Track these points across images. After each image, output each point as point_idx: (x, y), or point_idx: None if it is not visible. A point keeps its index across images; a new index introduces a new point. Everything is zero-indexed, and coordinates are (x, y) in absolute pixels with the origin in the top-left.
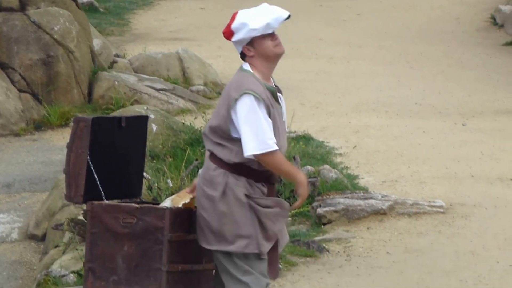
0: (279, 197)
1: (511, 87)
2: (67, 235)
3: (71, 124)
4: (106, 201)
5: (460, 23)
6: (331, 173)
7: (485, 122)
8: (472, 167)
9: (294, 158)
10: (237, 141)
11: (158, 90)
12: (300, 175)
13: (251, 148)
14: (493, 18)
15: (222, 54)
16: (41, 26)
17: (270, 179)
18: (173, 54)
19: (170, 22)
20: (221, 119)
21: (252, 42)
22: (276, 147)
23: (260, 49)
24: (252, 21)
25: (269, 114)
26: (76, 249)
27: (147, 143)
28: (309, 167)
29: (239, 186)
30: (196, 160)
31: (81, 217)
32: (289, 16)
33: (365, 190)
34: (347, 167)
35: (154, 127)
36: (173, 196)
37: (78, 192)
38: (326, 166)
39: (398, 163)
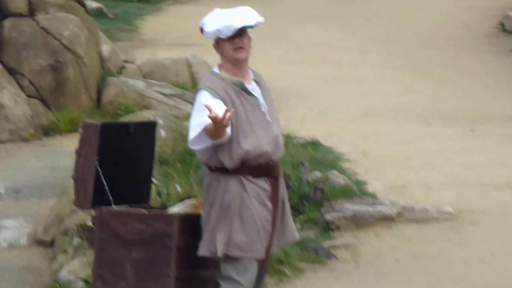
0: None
1: None
2: (76, 240)
3: (80, 129)
4: (115, 207)
5: (469, 29)
6: (339, 179)
7: (494, 128)
8: (481, 173)
9: (302, 164)
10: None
11: (166, 95)
12: None
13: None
14: (502, 24)
15: None
16: (50, 32)
17: (271, 172)
18: (182, 60)
19: (178, 27)
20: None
21: (217, 41)
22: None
23: (221, 50)
24: (207, 24)
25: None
26: (85, 255)
27: (156, 148)
28: (318, 173)
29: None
30: None
31: (89, 223)
32: (252, 26)
33: (373, 196)
34: (355, 172)
35: (163, 133)
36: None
37: (86, 198)
38: (334, 172)
39: (406, 169)
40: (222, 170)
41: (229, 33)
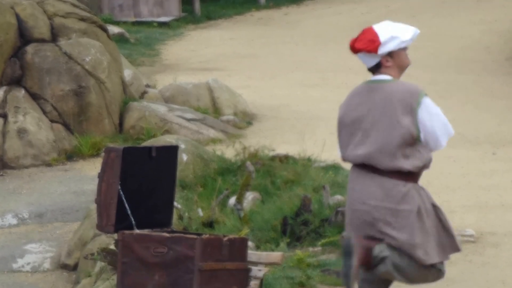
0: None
1: None
2: (99, 264)
3: (103, 154)
4: (137, 231)
5: (490, 52)
6: None
7: None
8: (503, 196)
9: (323, 187)
10: (423, 144)
11: (188, 120)
12: None
13: (444, 139)
14: None
15: (251, 84)
16: (72, 57)
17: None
18: (203, 84)
19: (200, 52)
20: (406, 129)
21: (390, 53)
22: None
23: (398, 60)
24: (402, 34)
25: None
26: (108, 279)
27: (178, 172)
28: (339, 197)
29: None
30: (227, 189)
31: (112, 247)
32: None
33: None
34: None
35: (185, 157)
36: None
37: (109, 222)
38: None
39: None
40: (414, 177)
41: (412, 41)
